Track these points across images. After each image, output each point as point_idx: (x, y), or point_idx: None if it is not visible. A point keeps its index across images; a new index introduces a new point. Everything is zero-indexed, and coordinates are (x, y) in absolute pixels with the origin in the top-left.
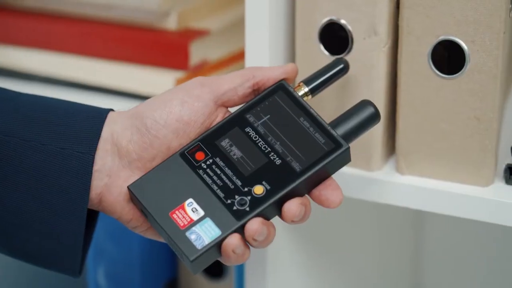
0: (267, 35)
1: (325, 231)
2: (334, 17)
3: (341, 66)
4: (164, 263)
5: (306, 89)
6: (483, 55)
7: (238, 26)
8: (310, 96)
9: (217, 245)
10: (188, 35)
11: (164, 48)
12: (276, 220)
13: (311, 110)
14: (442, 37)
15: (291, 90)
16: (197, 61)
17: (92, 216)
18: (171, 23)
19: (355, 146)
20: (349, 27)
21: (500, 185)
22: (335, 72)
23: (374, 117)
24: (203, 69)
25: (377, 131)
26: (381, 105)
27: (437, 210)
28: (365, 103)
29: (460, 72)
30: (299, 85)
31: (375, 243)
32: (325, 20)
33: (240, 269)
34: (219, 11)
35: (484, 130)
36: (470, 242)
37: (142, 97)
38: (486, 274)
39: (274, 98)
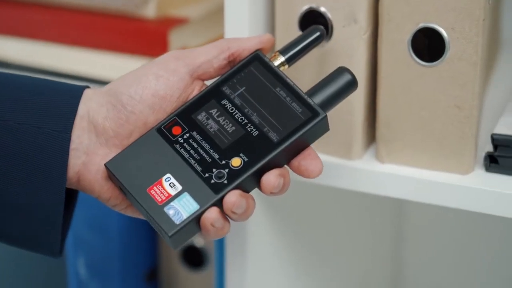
0: (246, 23)
1: (306, 220)
2: (313, 5)
3: (317, 34)
4: (144, 252)
5: (283, 59)
6: (463, 42)
7: (217, 14)
8: (286, 66)
9: (196, 219)
10: (167, 23)
11: (144, 36)
12: (258, 213)
13: (287, 79)
14: (422, 25)
15: (266, 60)
16: (176, 49)
17: (71, 195)
18: (150, 11)
19: (335, 134)
20: (329, 15)
21: (480, 173)
22: (311, 41)
23: (351, 84)
24: None
25: (357, 119)
26: (361, 93)
27: (418, 199)
28: (341, 70)
29: (440, 60)
30: (275, 55)
31: (356, 232)
32: (305, 7)
33: (221, 259)
34: None
35: (464, 118)
36: (450, 230)
37: None
38: (467, 262)
39: (250, 69)
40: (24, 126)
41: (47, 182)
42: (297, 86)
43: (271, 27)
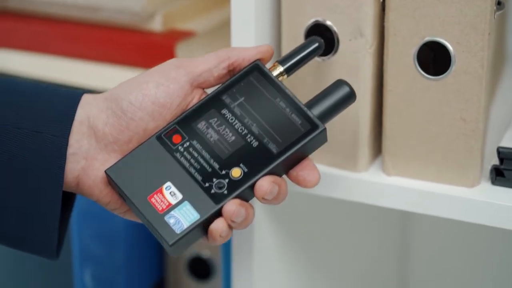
0: (253, 37)
1: (312, 232)
2: (319, 19)
3: (316, 45)
4: (151, 264)
5: (281, 69)
6: (469, 56)
7: (223, 27)
8: (285, 76)
9: (197, 228)
10: (173, 37)
11: (150, 50)
12: (265, 224)
13: (286, 90)
14: (427, 38)
15: (266, 70)
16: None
17: (69, 198)
18: (157, 25)
19: (341, 146)
20: (335, 28)
21: (486, 186)
22: (310, 51)
23: (349, 97)
24: None
25: (363, 132)
26: (367, 106)
27: (424, 211)
28: (340, 83)
29: (445, 73)
30: (274, 65)
31: (362, 244)
32: (311, 21)
33: (227, 270)
34: (205, 12)
35: (470, 131)
36: (456, 243)
37: None
38: (472, 275)
39: (249, 79)
40: (23, 130)
41: (44, 186)
42: (296, 97)
43: (277, 41)
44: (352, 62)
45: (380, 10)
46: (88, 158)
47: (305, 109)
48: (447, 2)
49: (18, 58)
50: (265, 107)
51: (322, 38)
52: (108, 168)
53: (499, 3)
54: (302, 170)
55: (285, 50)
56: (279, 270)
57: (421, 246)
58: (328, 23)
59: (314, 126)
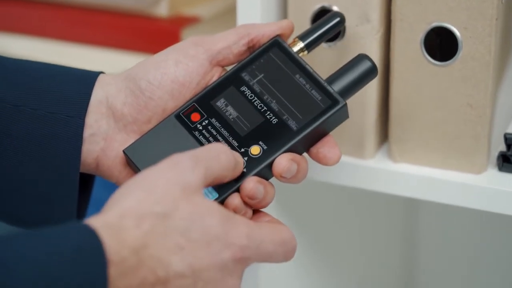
0: (258, 22)
1: (318, 220)
2: (326, 4)
3: (337, 19)
4: None
5: (302, 45)
6: (476, 42)
7: (229, 13)
8: (306, 52)
9: None
10: (179, 22)
11: (156, 35)
12: (269, 210)
13: (307, 66)
14: (434, 24)
15: (286, 46)
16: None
17: (87, 180)
18: (163, 10)
19: (347, 133)
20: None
21: (493, 173)
22: (331, 26)
23: (371, 71)
24: None
25: (370, 118)
26: (374, 92)
27: (430, 198)
28: (361, 57)
29: (453, 59)
30: (294, 41)
31: (369, 231)
32: (317, 7)
33: None
34: None
35: (477, 117)
36: (463, 229)
37: None
38: (479, 262)
39: (269, 55)
40: (39, 112)
41: (60, 167)
42: (316, 73)
43: None
44: (359, 48)
45: None
46: (107, 138)
47: (326, 84)
48: None
49: (21, 43)
50: (285, 83)
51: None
52: (126, 148)
53: None
54: (322, 147)
55: (291, 36)
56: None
57: (427, 233)
58: (335, 8)
59: (335, 102)
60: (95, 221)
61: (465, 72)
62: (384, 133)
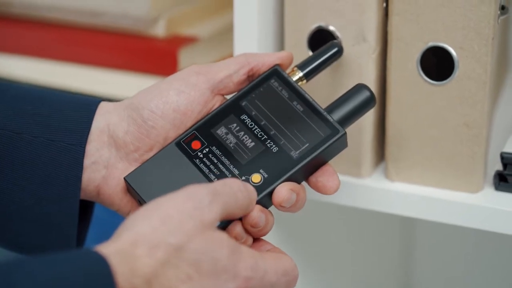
0: (255, 42)
1: (315, 238)
2: (322, 24)
3: (335, 49)
4: None
5: (301, 74)
6: (472, 61)
7: (226, 33)
8: (305, 81)
9: None
10: (176, 42)
11: (153, 55)
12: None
13: (306, 95)
14: (431, 44)
15: (285, 75)
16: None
17: (87, 207)
18: (160, 30)
19: (344, 152)
20: (338, 33)
21: (489, 192)
22: (329, 56)
23: (369, 101)
24: None
25: (367, 137)
26: (371, 111)
27: (427, 217)
28: (360, 87)
29: (449, 79)
30: (293, 70)
31: (366, 250)
32: (313, 26)
33: None
34: (208, 17)
35: (473, 137)
36: (460, 248)
37: None
38: (476, 281)
39: (268, 84)
40: (39, 139)
41: (61, 195)
42: (316, 102)
43: (280, 46)
44: (355, 67)
45: (383, 15)
46: (108, 167)
47: (325, 113)
48: (450, 7)
49: (20, 63)
50: (285, 112)
51: (325, 43)
52: (127, 175)
53: (503, 8)
54: (321, 176)
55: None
56: None
57: (424, 251)
58: (331, 28)
59: (334, 131)
60: (106, 248)
61: (461, 92)
62: (381, 152)
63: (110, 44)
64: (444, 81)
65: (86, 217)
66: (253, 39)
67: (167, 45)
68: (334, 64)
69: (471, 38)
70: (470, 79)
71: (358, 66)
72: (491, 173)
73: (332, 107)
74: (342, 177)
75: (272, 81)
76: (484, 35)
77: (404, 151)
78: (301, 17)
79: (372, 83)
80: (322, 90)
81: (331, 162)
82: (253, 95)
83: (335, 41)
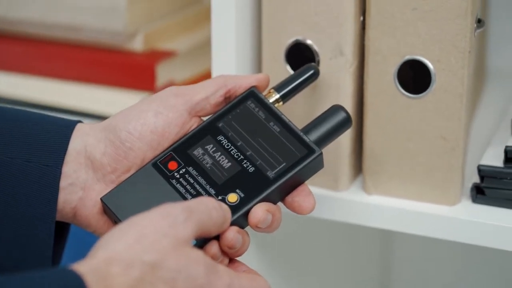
0: (233, 56)
1: (294, 251)
2: (300, 38)
3: (312, 71)
4: None
5: (277, 96)
6: (449, 74)
7: (204, 47)
8: (281, 103)
9: None
10: (154, 56)
11: (131, 70)
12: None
13: (282, 116)
14: (407, 57)
15: (261, 97)
16: (163, 82)
17: (63, 227)
18: (138, 45)
19: None
20: (315, 47)
21: (467, 204)
22: (305, 78)
23: (346, 122)
24: None
25: (344, 150)
26: None
27: (405, 230)
28: (336, 108)
29: (426, 92)
30: (269, 92)
31: (344, 263)
32: (291, 40)
33: None
34: (186, 32)
35: (450, 150)
36: (438, 261)
37: None
38: None
39: (245, 105)
40: (15, 160)
41: (37, 217)
42: (292, 123)
43: (258, 60)
44: (333, 81)
45: (360, 28)
46: (85, 188)
47: (301, 134)
48: (427, 20)
49: None
50: (261, 133)
51: (302, 57)
52: (103, 196)
53: (479, 21)
54: (297, 196)
55: (266, 69)
56: None
57: (402, 264)
58: (309, 42)
59: (311, 151)
60: (81, 266)
61: (438, 104)
62: (358, 165)
63: (88, 59)
64: (421, 94)
65: (62, 238)
66: (231, 53)
67: (145, 60)
68: None
69: (447, 51)
70: (447, 92)
71: (336, 79)
72: (469, 185)
73: (309, 128)
74: (320, 191)
75: (249, 102)
76: (460, 48)
77: (381, 164)
78: (279, 31)
79: (349, 97)
80: (299, 104)
81: (308, 180)
82: (230, 117)
83: (312, 64)
